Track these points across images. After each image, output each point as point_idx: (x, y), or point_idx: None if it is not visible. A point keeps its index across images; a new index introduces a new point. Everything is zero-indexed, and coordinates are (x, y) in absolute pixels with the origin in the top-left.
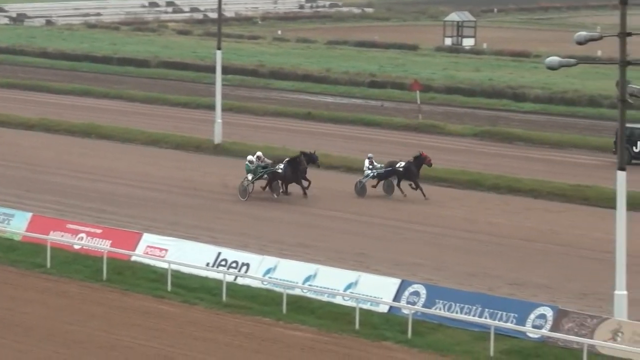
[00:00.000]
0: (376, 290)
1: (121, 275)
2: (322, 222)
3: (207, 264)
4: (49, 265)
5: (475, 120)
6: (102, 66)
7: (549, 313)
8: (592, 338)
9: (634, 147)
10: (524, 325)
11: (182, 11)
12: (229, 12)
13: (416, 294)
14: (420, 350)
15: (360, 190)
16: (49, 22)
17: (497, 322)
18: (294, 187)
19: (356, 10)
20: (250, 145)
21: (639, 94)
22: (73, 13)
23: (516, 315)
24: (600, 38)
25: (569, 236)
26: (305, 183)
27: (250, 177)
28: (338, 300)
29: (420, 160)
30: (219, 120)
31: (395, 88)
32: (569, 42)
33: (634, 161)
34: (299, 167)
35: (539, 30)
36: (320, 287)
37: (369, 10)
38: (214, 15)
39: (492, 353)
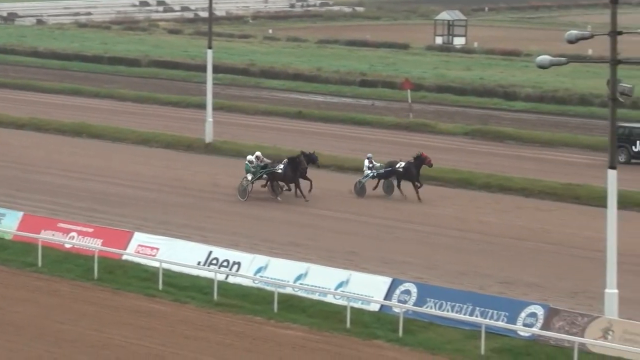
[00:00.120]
0: (367, 288)
1: (112, 274)
2: (313, 221)
3: (198, 263)
4: (40, 264)
5: (466, 119)
6: (92, 65)
7: (539, 311)
8: (582, 336)
9: (633, 147)
10: (515, 324)
11: (172, 10)
12: (219, 11)
13: (407, 292)
14: (412, 348)
15: (360, 190)
16: (39, 22)
17: (488, 320)
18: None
19: (347, 9)
20: (241, 144)
21: (630, 93)
22: (64, 12)
23: (507, 313)
24: (591, 37)
25: (560, 235)
26: (304, 184)
27: (249, 177)
28: (329, 299)
29: (420, 160)
30: (209, 119)
31: (386, 87)
32: (559, 41)
33: (633, 160)
34: (298, 167)
35: (529, 29)
36: (312, 286)
37: (360, 9)
38: (204, 14)
39: (483, 351)
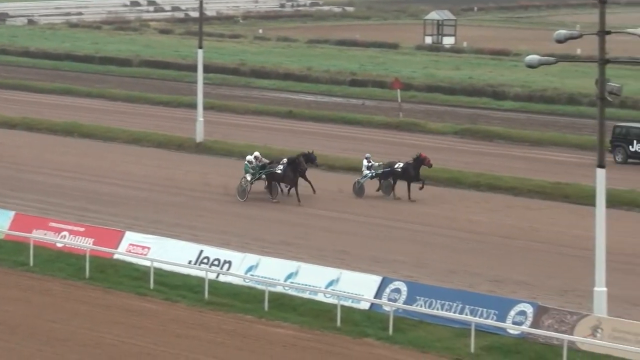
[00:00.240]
0: (357, 287)
1: (104, 273)
2: (304, 220)
3: (190, 262)
4: (32, 263)
5: (456, 119)
6: (84, 65)
7: (529, 310)
8: (572, 334)
9: (630, 146)
10: (505, 322)
11: (163, 10)
12: (210, 11)
13: (397, 291)
14: (402, 346)
15: (359, 190)
16: (30, 22)
17: (477, 318)
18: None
19: (337, 9)
20: (232, 144)
21: (618, 92)
22: (55, 12)
23: (496, 312)
24: (579, 36)
25: (549, 233)
26: (302, 186)
27: (248, 177)
28: (320, 297)
29: (419, 161)
30: (200, 118)
31: (376, 86)
32: (548, 41)
33: (630, 160)
34: (298, 168)
35: (518, 28)
36: (302, 285)
37: (350, 9)
38: (195, 14)
39: (472, 349)
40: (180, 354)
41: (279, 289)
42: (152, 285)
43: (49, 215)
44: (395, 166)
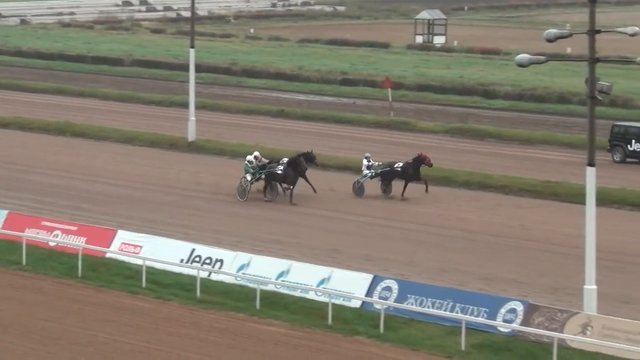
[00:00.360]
0: (349, 285)
1: (96, 271)
2: (296, 219)
3: (181, 260)
4: (24, 262)
5: (446, 117)
6: (76, 65)
7: (519, 307)
8: (562, 332)
9: (629, 146)
10: (495, 320)
11: (155, 10)
12: (201, 11)
13: (388, 289)
14: (393, 344)
15: (359, 190)
16: (23, 21)
17: (468, 316)
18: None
19: (328, 9)
20: (224, 143)
21: (608, 91)
22: (47, 12)
23: (487, 309)
24: (569, 35)
25: (539, 232)
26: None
27: (248, 177)
28: (311, 295)
29: (419, 160)
30: (192, 118)
31: (367, 86)
32: (538, 40)
33: (628, 159)
34: (299, 168)
35: (508, 28)
36: (294, 283)
37: (341, 8)
38: (187, 14)
39: (463, 347)
40: (172, 352)
41: (270, 287)
42: (144, 284)
43: (43, 215)
44: (395, 166)
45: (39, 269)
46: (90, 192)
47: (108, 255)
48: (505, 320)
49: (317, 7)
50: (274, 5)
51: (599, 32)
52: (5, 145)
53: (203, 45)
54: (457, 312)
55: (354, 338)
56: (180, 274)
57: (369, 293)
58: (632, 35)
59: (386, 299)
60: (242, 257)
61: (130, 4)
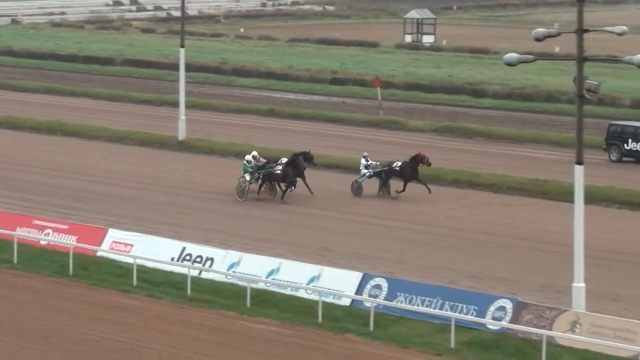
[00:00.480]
0: (339, 283)
1: (87, 270)
2: (286, 217)
3: (172, 259)
4: (15, 260)
5: (435, 116)
6: (67, 64)
7: (508, 305)
8: (551, 329)
9: (625, 145)
10: (484, 318)
11: (145, 10)
12: (192, 11)
13: (378, 287)
14: (382, 342)
15: (357, 190)
16: (14, 21)
17: (457, 314)
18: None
19: (317, 8)
20: (214, 142)
21: (596, 90)
22: (38, 12)
23: (476, 307)
24: (557, 35)
25: (528, 230)
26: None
27: (247, 177)
28: (301, 293)
29: (417, 160)
30: (182, 117)
31: (357, 85)
32: (527, 39)
33: (625, 159)
34: (298, 167)
35: (497, 27)
36: (284, 281)
37: (330, 8)
38: (177, 13)
39: (452, 345)
40: (163, 350)
41: (260, 285)
42: (135, 282)
43: (34, 214)
44: (393, 165)
45: (30, 267)
46: (81, 191)
47: (99, 253)
48: (494, 318)
49: (307, 7)
50: (263, 4)
51: (587, 31)
52: None
53: (193, 45)
54: (446, 310)
55: (344, 336)
56: (171, 273)
57: (359, 291)
58: (620, 34)
59: (376, 297)
60: (233, 255)
61: (121, 4)
